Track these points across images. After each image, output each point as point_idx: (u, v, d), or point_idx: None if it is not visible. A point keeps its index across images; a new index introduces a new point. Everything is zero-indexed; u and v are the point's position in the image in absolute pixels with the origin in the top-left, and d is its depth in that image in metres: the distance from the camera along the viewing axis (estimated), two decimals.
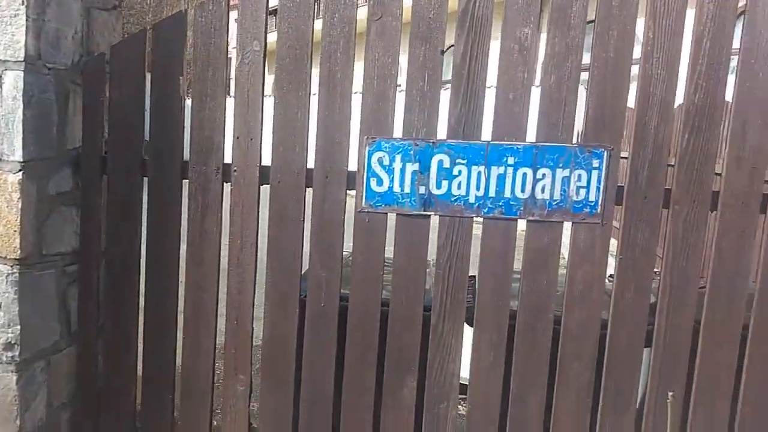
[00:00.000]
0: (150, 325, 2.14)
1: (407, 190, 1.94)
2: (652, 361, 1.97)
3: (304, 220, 2.00)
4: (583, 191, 1.88)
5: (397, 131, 1.91)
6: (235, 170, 1.99)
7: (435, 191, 1.93)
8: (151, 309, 2.12)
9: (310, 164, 1.97)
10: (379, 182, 1.94)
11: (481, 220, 1.95)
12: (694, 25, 1.77)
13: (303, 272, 2.07)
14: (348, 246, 2.01)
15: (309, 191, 1.99)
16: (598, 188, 1.87)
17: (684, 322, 1.93)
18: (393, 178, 1.93)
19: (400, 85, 1.92)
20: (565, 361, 1.99)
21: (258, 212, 2.02)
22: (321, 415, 2.11)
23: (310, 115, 1.95)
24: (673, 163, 1.83)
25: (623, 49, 1.79)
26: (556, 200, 1.89)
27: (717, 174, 1.83)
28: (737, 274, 1.88)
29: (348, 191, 1.98)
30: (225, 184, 2.02)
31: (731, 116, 1.80)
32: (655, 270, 1.97)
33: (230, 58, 1.93)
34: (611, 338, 1.96)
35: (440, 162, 1.91)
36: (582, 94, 1.81)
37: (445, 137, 1.91)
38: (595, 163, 1.85)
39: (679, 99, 1.83)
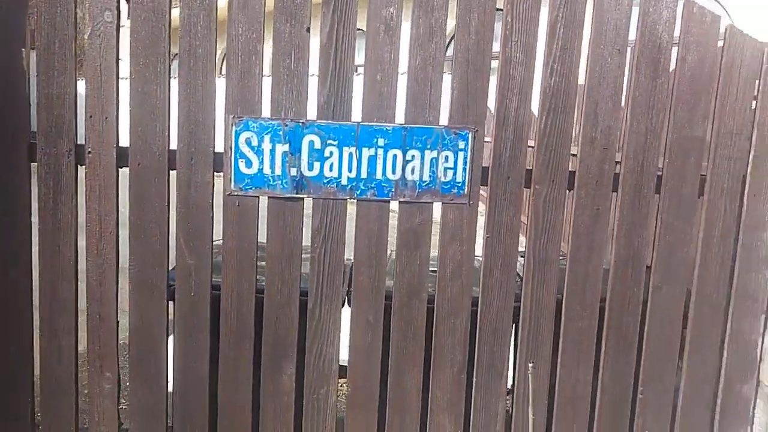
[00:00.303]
0: (1, 325, 1.95)
1: (278, 171, 1.89)
2: (519, 335, 2.06)
3: (169, 205, 1.90)
4: (450, 172, 1.91)
5: (266, 111, 1.85)
6: (89, 152, 1.85)
7: (307, 173, 1.90)
8: (0, 307, 1.94)
9: (174, 145, 1.87)
10: (249, 164, 1.88)
11: (354, 201, 1.94)
12: (549, 10, 1.84)
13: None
14: (219, 231, 1.94)
15: (174, 174, 1.89)
16: (464, 169, 1.91)
17: (547, 296, 2.02)
18: (263, 159, 1.88)
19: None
20: (439, 338, 2.03)
21: (117, 197, 1.89)
22: (196, 407, 2.03)
23: (171, 93, 1.84)
24: (533, 145, 1.91)
25: (484, 32, 1.83)
26: (425, 181, 1.92)
27: (573, 155, 1.93)
28: (593, 249, 2.00)
29: (216, 173, 1.90)
30: (79, 167, 1.88)
31: (584, 99, 1.90)
32: (521, 249, 2.05)
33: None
34: (482, 314, 2.03)
35: (311, 143, 1.88)
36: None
37: (315, 117, 1.87)
38: (461, 144, 1.89)
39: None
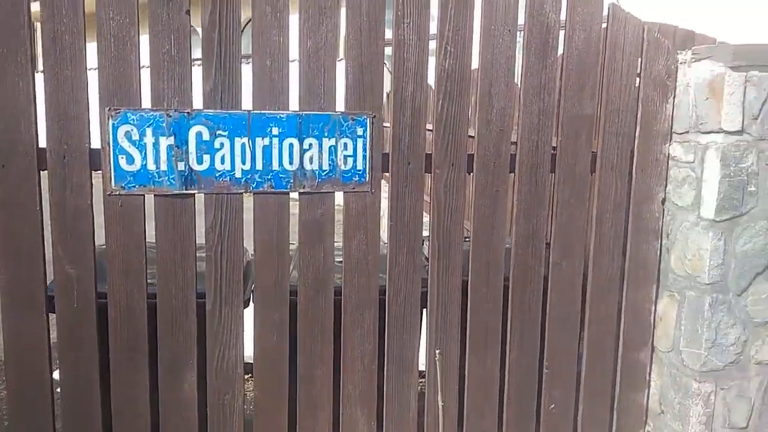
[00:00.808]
0: None
1: (164, 167, 1.75)
2: (428, 321, 2.05)
3: (41, 209, 1.71)
4: (350, 160, 1.86)
5: (147, 102, 1.71)
6: None
7: (196, 167, 1.78)
8: None
9: (44, 143, 1.69)
10: (130, 160, 1.73)
11: (252, 195, 1.85)
12: None
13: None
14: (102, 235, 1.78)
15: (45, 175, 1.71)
16: (364, 156, 1.86)
17: (453, 279, 2.02)
18: (146, 154, 1.73)
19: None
20: (348, 330, 1.99)
21: None
22: (89, 429, 1.86)
23: (36, 85, 1.66)
24: (431, 128, 1.89)
25: (376, 14, 1.79)
26: (325, 170, 1.85)
27: (471, 137, 1.93)
28: (494, 230, 2.02)
29: (94, 172, 1.73)
30: None
31: (478, 81, 1.90)
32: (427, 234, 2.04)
33: None
34: (389, 303, 2.00)
35: (199, 134, 1.76)
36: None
37: (201, 107, 1.75)
38: (360, 131, 1.85)
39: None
